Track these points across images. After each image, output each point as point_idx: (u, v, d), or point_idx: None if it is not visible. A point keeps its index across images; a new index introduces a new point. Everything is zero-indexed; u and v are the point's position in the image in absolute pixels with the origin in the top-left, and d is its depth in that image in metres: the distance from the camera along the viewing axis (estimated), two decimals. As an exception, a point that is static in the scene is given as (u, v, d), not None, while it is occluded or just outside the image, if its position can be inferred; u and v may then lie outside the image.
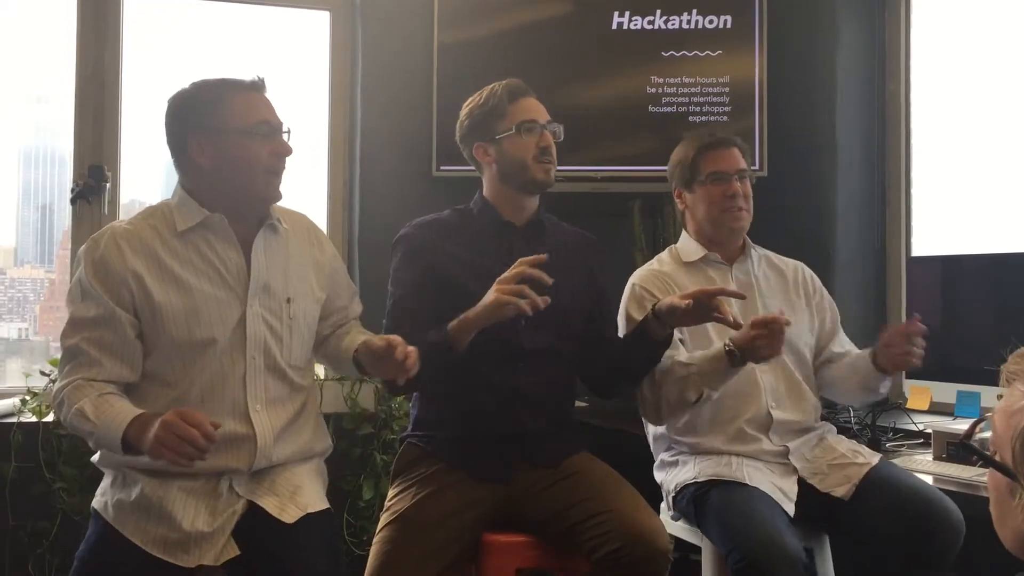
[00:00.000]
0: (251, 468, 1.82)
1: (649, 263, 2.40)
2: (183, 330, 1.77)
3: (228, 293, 1.81)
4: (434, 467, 2.03)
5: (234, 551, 1.76)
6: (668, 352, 2.13)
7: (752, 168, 2.35)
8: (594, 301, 2.19)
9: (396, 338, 1.77)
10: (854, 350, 2.34)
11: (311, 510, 1.82)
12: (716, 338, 2.18)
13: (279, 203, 1.92)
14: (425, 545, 1.90)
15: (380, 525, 1.98)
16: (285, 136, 1.86)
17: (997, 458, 1.04)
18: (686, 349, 2.20)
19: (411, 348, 1.75)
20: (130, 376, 1.78)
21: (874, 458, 2.14)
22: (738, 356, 2.03)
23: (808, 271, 2.40)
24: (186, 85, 1.85)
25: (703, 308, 1.96)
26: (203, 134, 1.79)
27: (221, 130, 1.79)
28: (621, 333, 2.25)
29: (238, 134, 1.79)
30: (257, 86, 1.85)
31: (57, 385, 1.76)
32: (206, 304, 1.78)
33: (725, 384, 2.11)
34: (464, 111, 2.16)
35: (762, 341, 1.98)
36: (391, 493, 2.06)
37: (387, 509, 2.01)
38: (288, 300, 1.88)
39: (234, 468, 1.81)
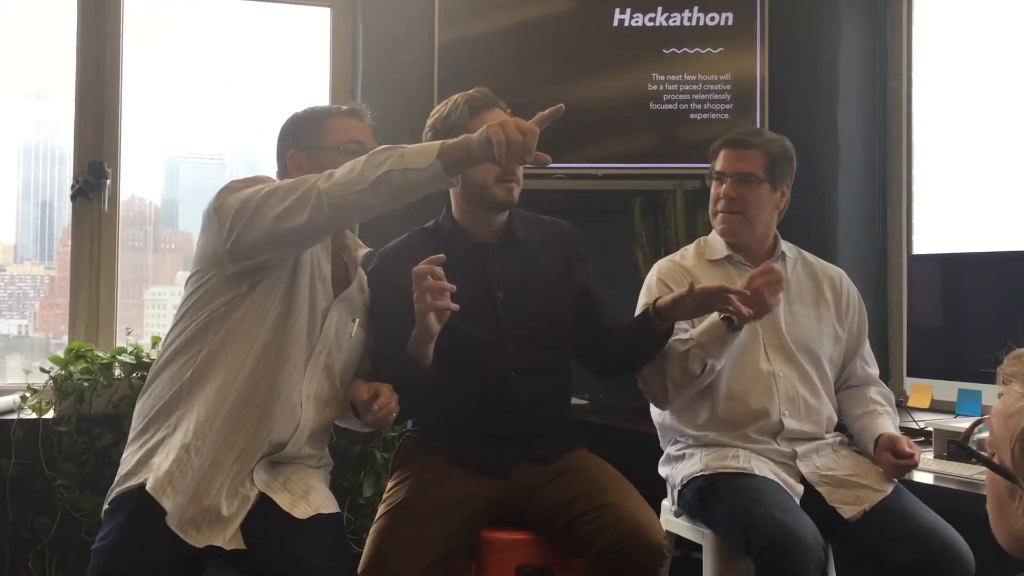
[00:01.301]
0: (288, 445, 1.86)
1: (672, 255, 2.38)
2: (297, 291, 1.86)
3: (323, 288, 1.92)
4: (432, 460, 2.05)
5: (240, 543, 1.78)
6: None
7: (776, 172, 2.27)
8: (580, 292, 2.16)
9: (380, 389, 1.82)
10: (871, 394, 2.29)
11: (323, 511, 1.85)
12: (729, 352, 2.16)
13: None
14: (420, 535, 1.90)
15: (377, 515, 2.00)
16: None
17: (995, 460, 1.03)
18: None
19: (388, 402, 1.82)
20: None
21: (888, 485, 2.09)
22: (736, 320, 2.03)
23: (847, 282, 2.34)
24: (297, 111, 2.03)
25: (703, 303, 1.96)
26: (301, 151, 1.95)
27: (316, 146, 1.94)
28: None
29: (330, 150, 1.91)
30: (358, 112, 2.01)
31: (272, 187, 1.76)
32: (306, 281, 1.88)
33: (726, 351, 2.10)
34: (428, 121, 2.11)
35: (767, 290, 1.97)
36: (389, 485, 2.08)
37: (384, 500, 2.03)
38: (354, 320, 1.98)
39: (277, 440, 1.85)
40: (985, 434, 1.08)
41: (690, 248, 2.38)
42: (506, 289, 2.07)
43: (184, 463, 1.76)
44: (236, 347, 1.83)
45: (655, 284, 2.28)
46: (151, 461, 1.79)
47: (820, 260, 2.38)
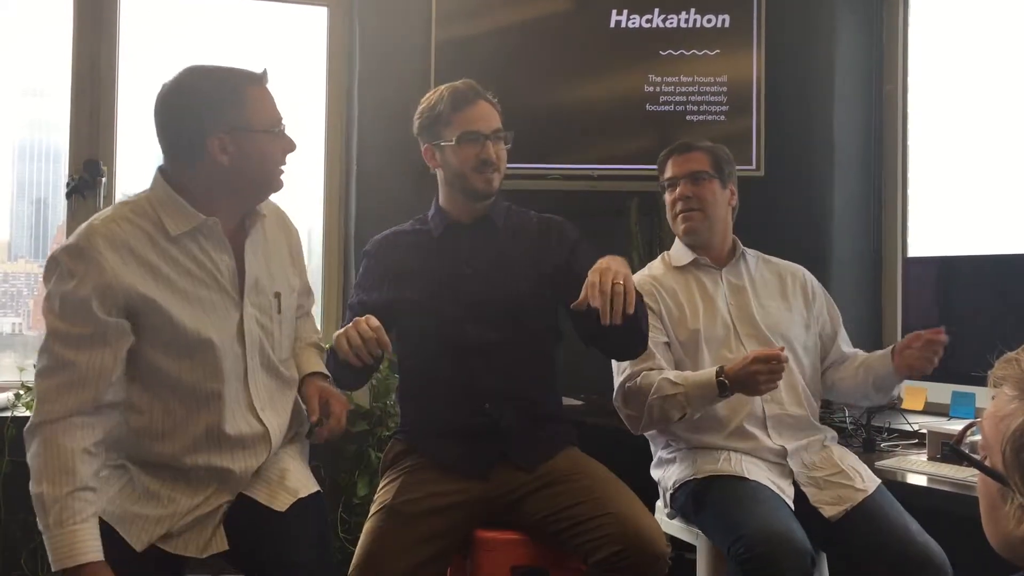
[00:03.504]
0: (267, 458, 1.82)
1: (642, 270, 2.40)
2: (190, 330, 1.69)
3: (224, 297, 1.75)
4: (418, 462, 2.05)
5: (222, 545, 1.76)
6: (658, 368, 2.16)
7: (723, 170, 2.31)
8: (560, 275, 2.06)
9: (330, 406, 1.83)
10: (859, 352, 2.34)
11: (302, 494, 1.81)
12: (707, 350, 2.20)
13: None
14: (407, 536, 1.91)
15: (368, 516, 2.00)
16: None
17: (987, 463, 1.03)
18: (672, 354, 2.22)
19: (338, 422, 1.82)
20: (114, 396, 1.68)
21: (872, 484, 2.11)
22: (728, 388, 2.04)
23: (808, 275, 2.40)
24: (184, 77, 1.71)
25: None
26: (226, 133, 1.68)
27: (245, 128, 1.70)
28: None
29: (262, 133, 1.72)
30: (265, 79, 1.77)
31: (43, 409, 1.64)
32: (204, 309, 1.72)
33: (708, 408, 2.13)
34: (418, 109, 2.14)
35: (762, 376, 1.99)
36: (379, 486, 2.08)
37: (375, 502, 2.03)
38: (276, 295, 1.84)
39: (257, 465, 1.79)
40: (977, 437, 1.08)
41: (656, 261, 2.41)
42: (474, 266, 2.08)
43: (148, 507, 1.73)
44: (165, 416, 1.73)
45: None
46: (110, 493, 1.72)
47: (778, 259, 2.42)
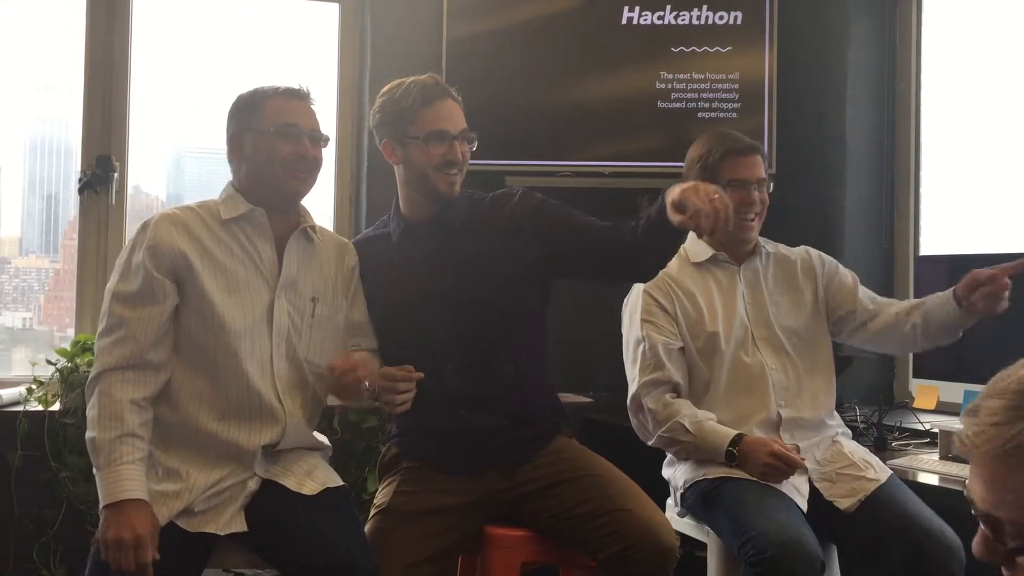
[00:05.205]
0: (279, 445, 1.88)
1: None
2: (217, 300, 1.84)
3: (260, 281, 1.90)
4: (414, 463, 2.05)
5: (241, 525, 1.82)
6: (667, 380, 2.17)
7: (769, 172, 2.29)
8: (543, 234, 2.01)
9: (352, 359, 1.86)
10: (892, 301, 2.29)
11: (330, 485, 1.90)
12: (725, 353, 2.19)
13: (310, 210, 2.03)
14: (408, 533, 1.92)
15: (368, 519, 2.00)
16: (319, 143, 1.95)
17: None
18: (686, 359, 2.22)
19: (350, 364, 1.83)
20: (161, 356, 1.84)
21: (884, 474, 2.11)
22: (736, 461, 2.06)
23: (814, 253, 2.35)
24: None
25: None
26: (242, 133, 1.94)
27: (254, 129, 1.92)
28: (627, 354, 2.25)
29: (263, 133, 1.91)
30: (300, 94, 1.96)
31: (100, 362, 1.81)
32: (238, 284, 1.88)
33: (720, 414, 2.16)
34: (378, 101, 2.07)
35: (770, 470, 2.01)
36: (378, 490, 2.08)
37: (374, 505, 2.04)
38: (313, 300, 1.95)
39: (267, 443, 1.87)
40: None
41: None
42: (431, 270, 2.03)
43: (167, 484, 1.82)
44: (191, 381, 1.86)
45: (642, 296, 2.25)
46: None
47: (784, 247, 2.36)
